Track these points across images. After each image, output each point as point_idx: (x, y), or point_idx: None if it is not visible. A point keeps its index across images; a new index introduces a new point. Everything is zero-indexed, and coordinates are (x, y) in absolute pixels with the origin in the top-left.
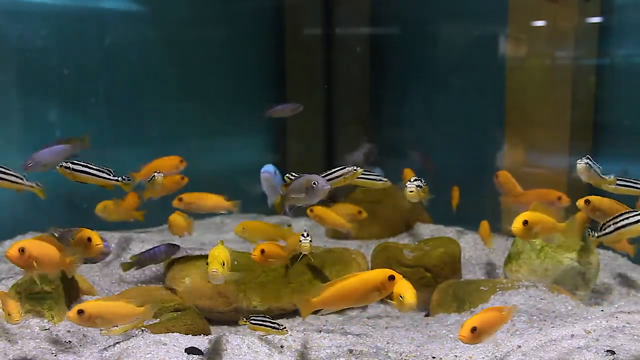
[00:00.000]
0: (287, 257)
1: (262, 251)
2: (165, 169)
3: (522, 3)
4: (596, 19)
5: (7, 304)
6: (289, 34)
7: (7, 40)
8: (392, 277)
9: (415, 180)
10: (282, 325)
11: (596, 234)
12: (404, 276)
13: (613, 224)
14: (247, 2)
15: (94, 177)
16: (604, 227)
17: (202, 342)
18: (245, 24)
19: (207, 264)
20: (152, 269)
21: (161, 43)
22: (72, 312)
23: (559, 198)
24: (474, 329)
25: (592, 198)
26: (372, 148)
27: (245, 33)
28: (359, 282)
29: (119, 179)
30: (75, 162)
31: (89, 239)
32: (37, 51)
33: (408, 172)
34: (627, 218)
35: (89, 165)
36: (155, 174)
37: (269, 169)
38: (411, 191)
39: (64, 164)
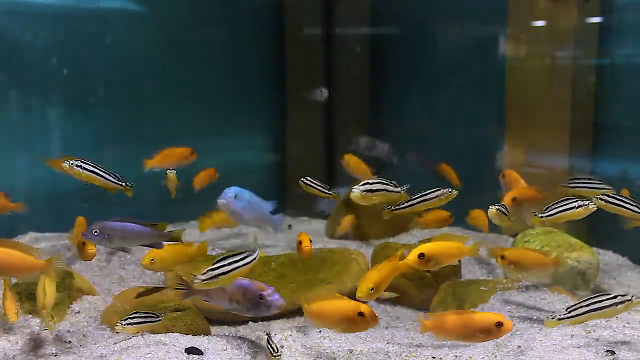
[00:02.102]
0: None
1: (303, 240)
2: (175, 159)
3: (522, 3)
4: (596, 19)
5: (5, 302)
6: (289, 34)
7: (7, 40)
8: (361, 314)
9: (365, 183)
10: None
11: (540, 215)
12: (404, 277)
13: (556, 207)
14: (247, 2)
15: (100, 178)
16: (547, 209)
17: (202, 342)
18: (245, 24)
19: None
20: None
21: (161, 43)
22: None
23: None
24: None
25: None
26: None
27: (245, 33)
28: (337, 308)
29: (123, 184)
30: (85, 161)
31: (84, 243)
32: (37, 51)
33: (350, 157)
34: (569, 202)
35: (97, 166)
36: (168, 171)
37: (225, 196)
38: (354, 194)
39: (75, 162)
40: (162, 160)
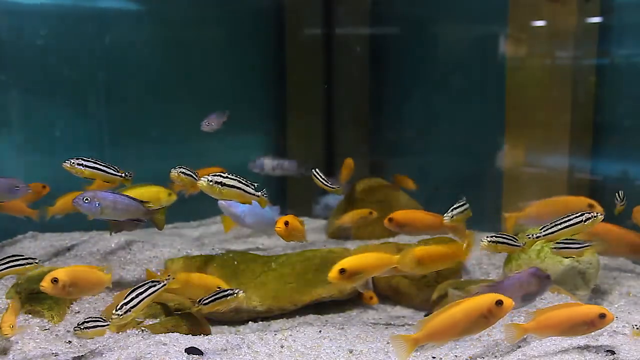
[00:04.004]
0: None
1: (286, 223)
2: None
3: (522, 3)
4: (596, 19)
5: (4, 314)
6: (289, 34)
7: (7, 40)
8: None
9: (219, 175)
10: None
11: (535, 235)
12: (404, 276)
13: (553, 225)
14: (247, 2)
15: (102, 172)
16: (544, 229)
17: (202, 342)
18: (246, 24)
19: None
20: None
21: (161, 43)
22: None
23: None
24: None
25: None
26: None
27: (245, 33)
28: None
29: (123, 174)
30: (86, 159)
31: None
32: (37, 51)
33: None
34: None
35: (97, 161)
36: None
37: None
38: (201, 183)
39: (76, 160)
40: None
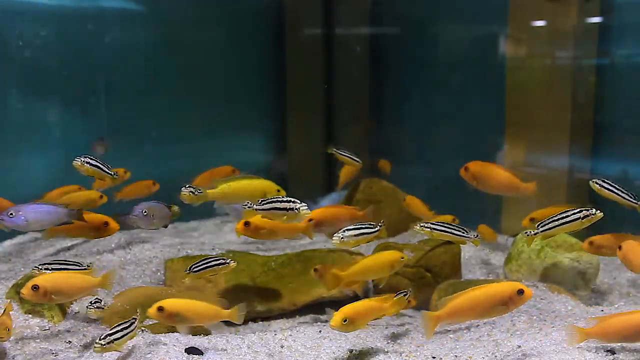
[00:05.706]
0: (287, 232)
1: (247, 223)
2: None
3: (522, 3)
4: (596, 19)
5: (1, 316)
6: (289, 34)
7: (7, 40)
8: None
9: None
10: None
11: (533, 232)
12: (404, 276)
13: (552, 221)
14: (247, 2)
15: (102, 172)
16: (541, 225)
17: (202, 342)
18: (246, 24)
19: None
20: (152, 269)
21: (161, 43)
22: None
23: None
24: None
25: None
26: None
27: (245, 33)
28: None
29: (113, 174)
30: (91, 157)
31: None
32: (37, 51)
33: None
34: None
35: (98, 161)
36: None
37: None
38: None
39: (84, 159)
40: (203, 182)
